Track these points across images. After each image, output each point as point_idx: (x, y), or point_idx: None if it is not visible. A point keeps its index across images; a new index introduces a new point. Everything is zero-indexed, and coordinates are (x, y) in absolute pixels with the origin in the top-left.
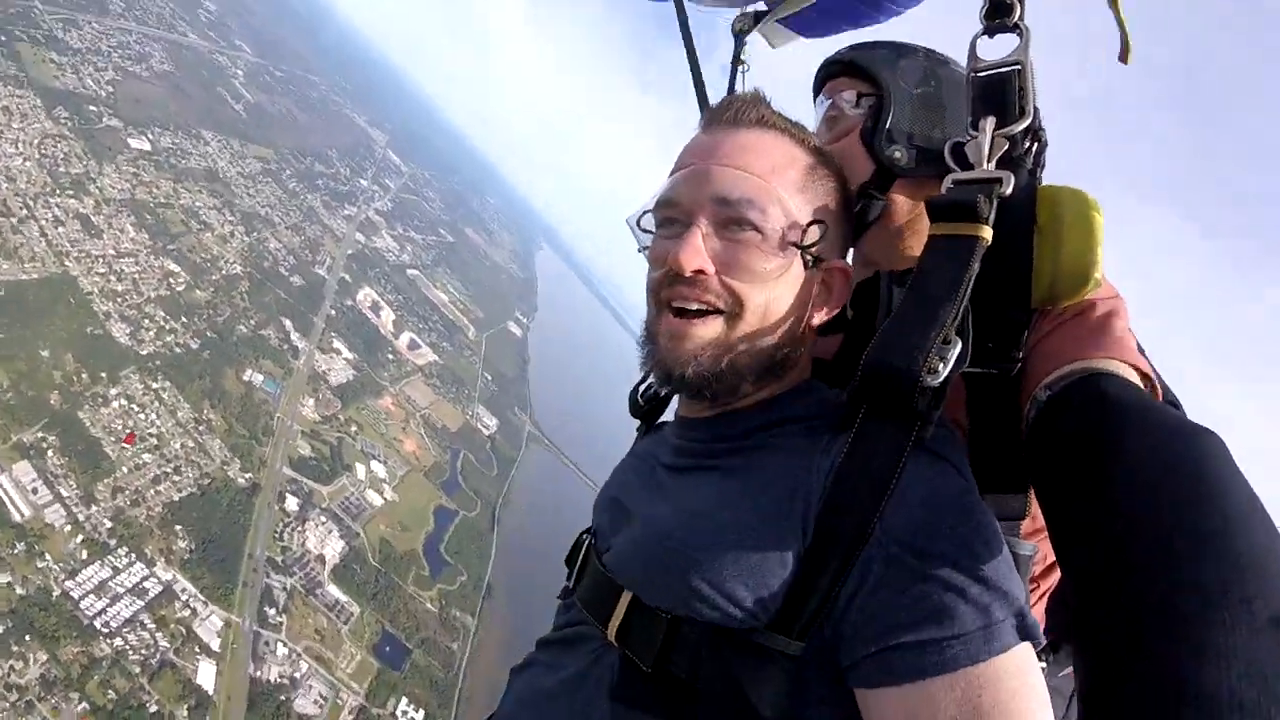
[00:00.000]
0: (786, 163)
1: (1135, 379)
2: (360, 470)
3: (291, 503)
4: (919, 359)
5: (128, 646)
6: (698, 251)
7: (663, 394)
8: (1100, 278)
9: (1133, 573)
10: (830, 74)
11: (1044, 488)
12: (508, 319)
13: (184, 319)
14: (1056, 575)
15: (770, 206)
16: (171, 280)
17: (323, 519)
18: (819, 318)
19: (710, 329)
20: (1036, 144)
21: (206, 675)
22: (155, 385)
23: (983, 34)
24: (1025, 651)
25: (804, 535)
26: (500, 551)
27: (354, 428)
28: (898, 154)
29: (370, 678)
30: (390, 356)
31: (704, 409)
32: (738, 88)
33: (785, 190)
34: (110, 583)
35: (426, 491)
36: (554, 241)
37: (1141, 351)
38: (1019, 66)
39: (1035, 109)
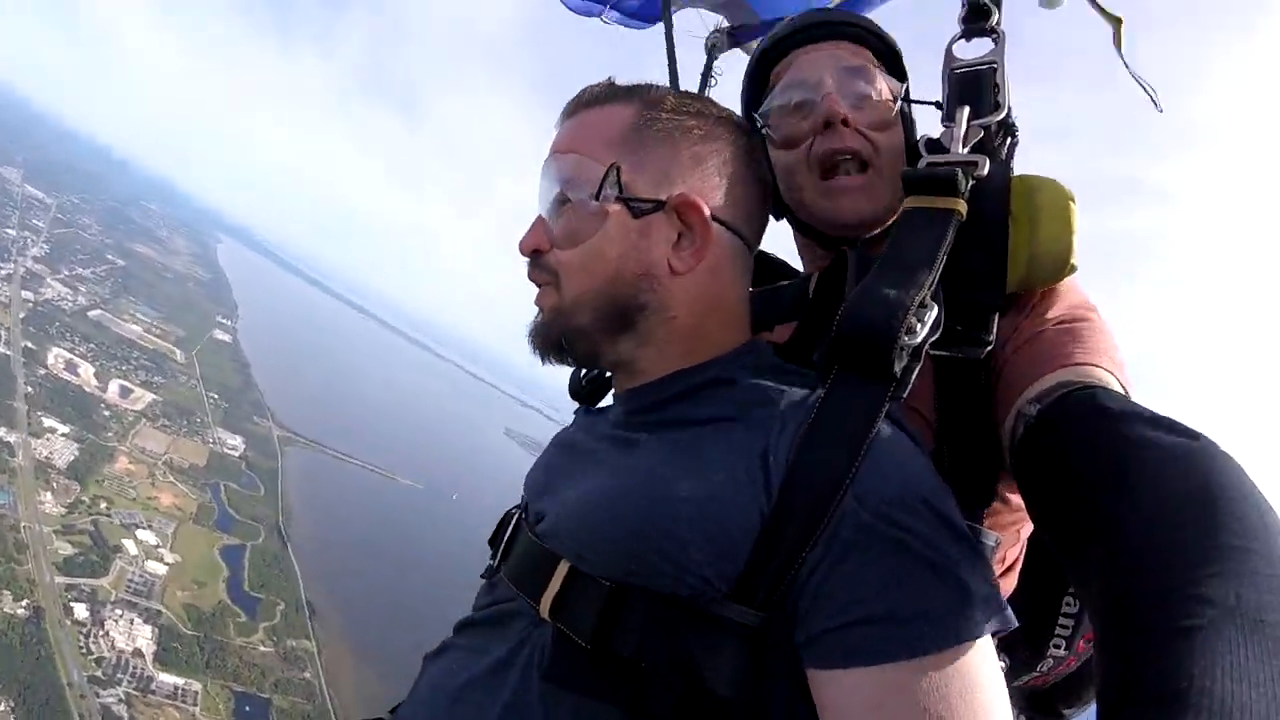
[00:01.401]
0: (603, 125)
1: (1120, 388)
2: (130, 546)
3: (80, 611)
4: (899, 316)
5: None
6: (529, 233)
7: (605, 374)
8: (1077, 264)
9: (1149, 589)
10: (827, 34)
11: (1041, 506)
12: (211, 328)
13: None
14: (1013, 580)
15: (575, 174)
16: None
17: (118, 612)
18: (683, 262)
19: (547, 298)
20: (1010, 138)
21: None
22: None
23: (960, 37)
24: (987, 643)
25: (768, 495)
26: (304, 566)
27: (104, 504)
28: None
29: None
30: (107, 413)
31: (632, 380)
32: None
33: (596, 153)
34: None
35: (204, 538)
36: (231, 229)
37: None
38: (995, 65)
39: (1009, 106)
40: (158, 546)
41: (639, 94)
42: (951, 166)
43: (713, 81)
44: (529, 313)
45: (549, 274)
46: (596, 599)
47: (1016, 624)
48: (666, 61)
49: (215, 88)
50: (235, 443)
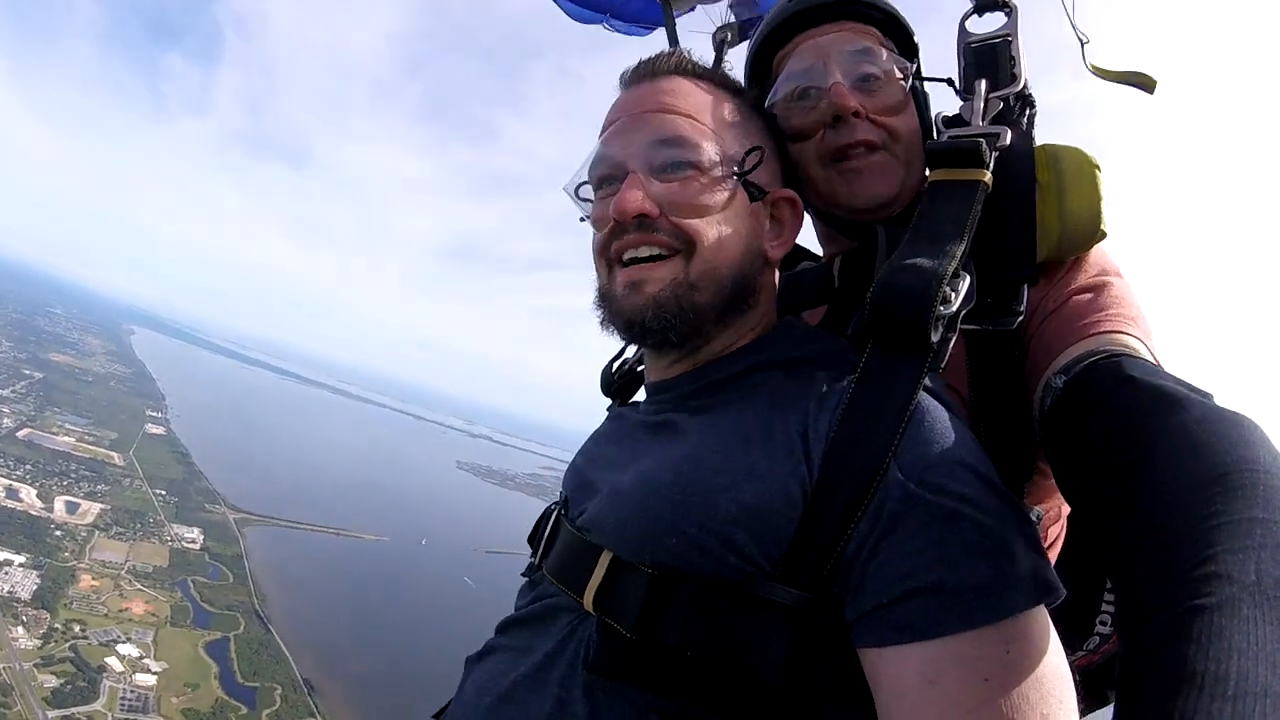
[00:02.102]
0: (712, 101)
1: (1148, 355)
2: (114, 663)
3: None
4: (933, 286)
5: None
6: (639, 195)
7: (634, 363)
8: (1108, 231)
9: (1168, 565)
10: (828, 15)
11: (1067, 480)
12: (143, 424)
13: None
14: (1053, 557)
15: (703, 141)
16: None
17: None
18: (775, 250)
19: (669, 269)
20: (1029, 110)
21: None
22: None
23: (972, 12)
24: (1043, 613)
25: (809, 473)
26: (291, 644)
27: (78, 627)
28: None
29: None
30: (59, 533)
31: (677, 366)
32: None
33: (715, 125)
34: None
35: (186, 638)
36: (141, 316)
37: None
38: (1009, 37)
39: (1026, 77)
40: (142, 657)
41: (729, 82)
42: (974, 138)
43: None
44: (450, 337)
45: (675, 240)
46: (639, 587)
47: (1065, 593)
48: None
49: (92, 169)
50: (193, 535)
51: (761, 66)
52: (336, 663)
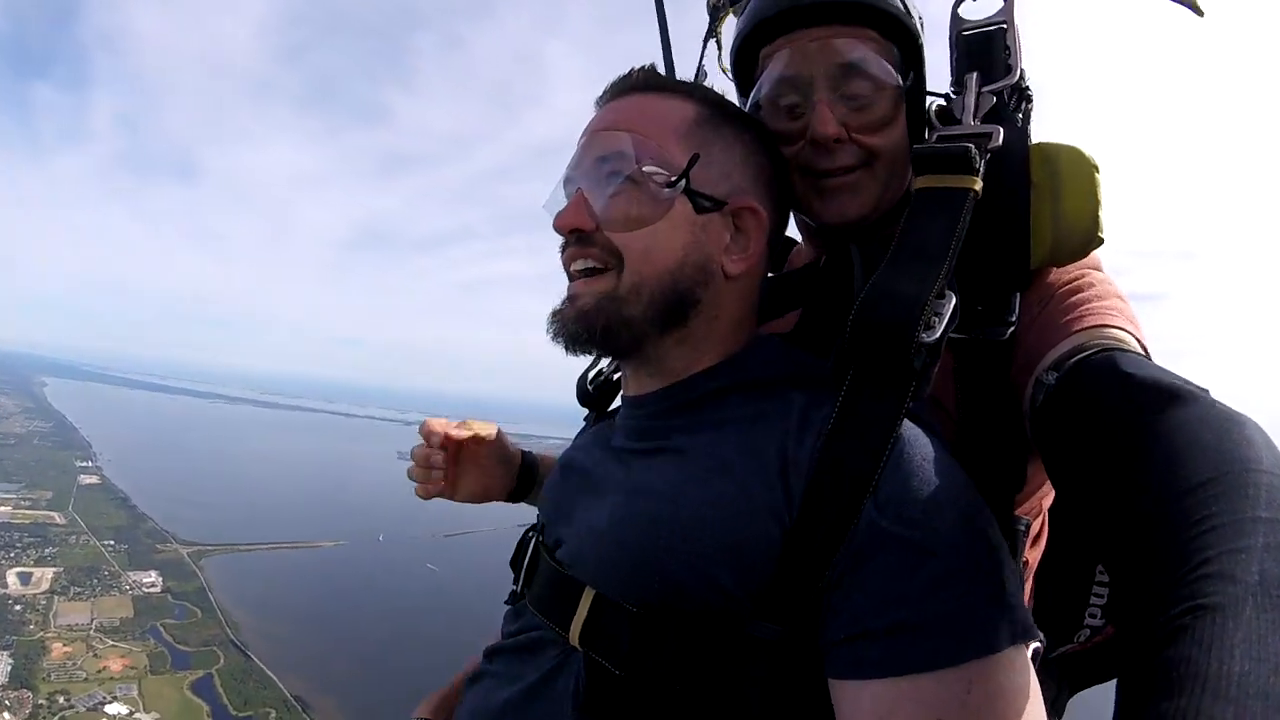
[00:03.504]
0: (666, 114)
1: (1138, 347)
2: None
3: None
4: (915, 312)
5: None
6: (572, 210)
7: (610, 373)
8: (1105, 236)
9: (1167, 565)
10: (819, 16)
11: (1062, 479)
12: (75, 476)
13: None
14: (1039, 551)
15: (642, 154)
16: None
17: None
18: (734, 264)
19: (601, 283)
20: (1025, 104)
21: None
22: None
23: None
24: (1019, 654)
25: (789, 508)
26: (273, 666)
27: (62, 699)
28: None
29: None
30: (19, 607)
31: (648, 382)
32: (707, 68)
33: (660, 138)
34: None
35: (170, 684)
36: (50, 365)
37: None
38: (1005, 25)
39: (1021, 69)
40: (132, 713)
41: (695, 91)
42: (963, 142)
43: (715, 48)
44: (371, 333)
45: (607, 255)
46: (624, 626)
47: (1044, 643)
48: (660, 37)
49: None
50: (151, 579)
51: (747, 58)
52: (322, 675)
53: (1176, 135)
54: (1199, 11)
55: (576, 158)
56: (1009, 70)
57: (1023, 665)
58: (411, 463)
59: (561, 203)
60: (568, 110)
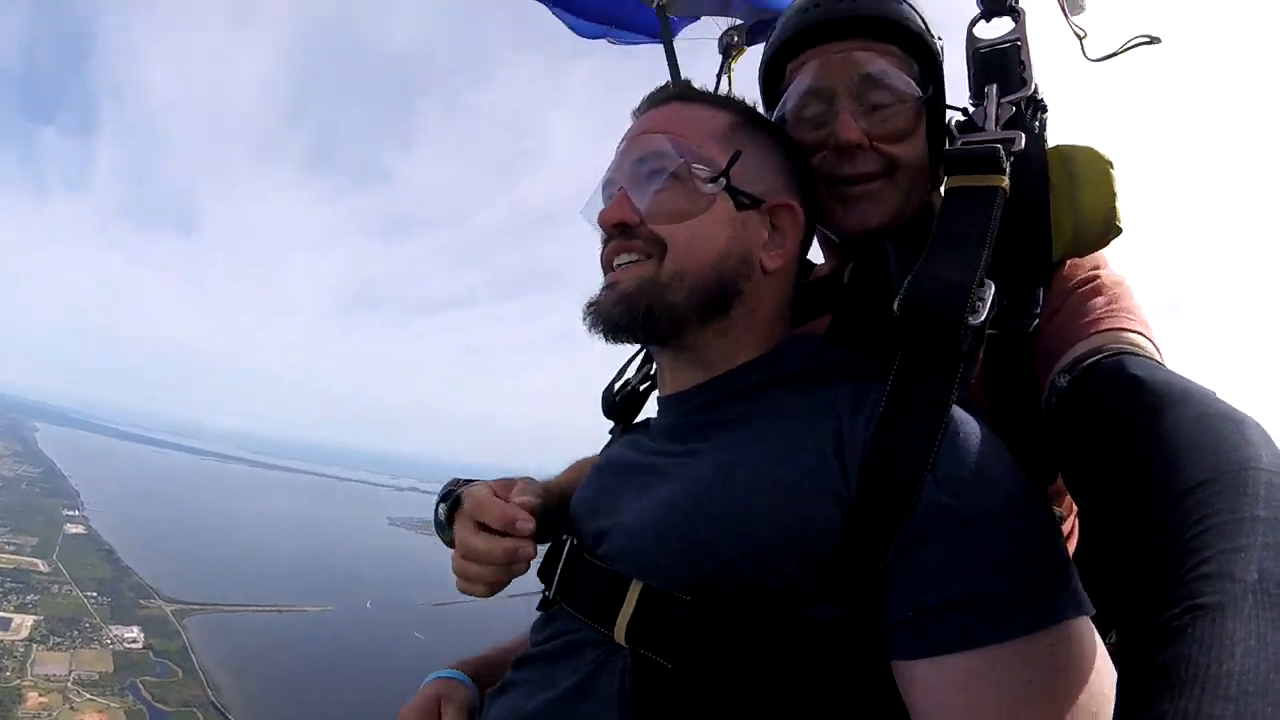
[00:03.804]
0: (704, 120)
1: (1154, 351)
2: None
3: None
4: (964, 296)
5: None
6: (616, 206)
7: (636, 384)
8: (1123, 227)
9: (1168, 565)
10: (844, 31)
11: (1072, 480)
12: (61, 525)
13: None
14: (1073, 545)
15: (683, 153)
16: None
17: None
18: (772, 260)
19: (642, 269)
20: (1040, 114)
21: None
22: None
23: (980, 18)
24: (1085, 623)
25: (847, 486)
26: None
27: None
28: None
29: None
30: None
31: (688, 377)
32: None
33: (699, 140)
34: None
35: None
36: (43, 411)
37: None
38: (1019, 41)
39: (1035, 83)
40: None
41: (729, 102)
42: (991, 144)
43: (726, 85)
44: (357, 398)
45: (650, 245)
46: (677, 617)
47: (1093, 610)
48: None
49: None
50: (133, 634)
51: (774, 74)
52: None
53: (1165, 189)
54: (1156, 41)
55: (616, 162)
56: (1024, 83)
57: (1090, 632)
58: (477, 565)
59: (599, 206)
60: (567, 174)
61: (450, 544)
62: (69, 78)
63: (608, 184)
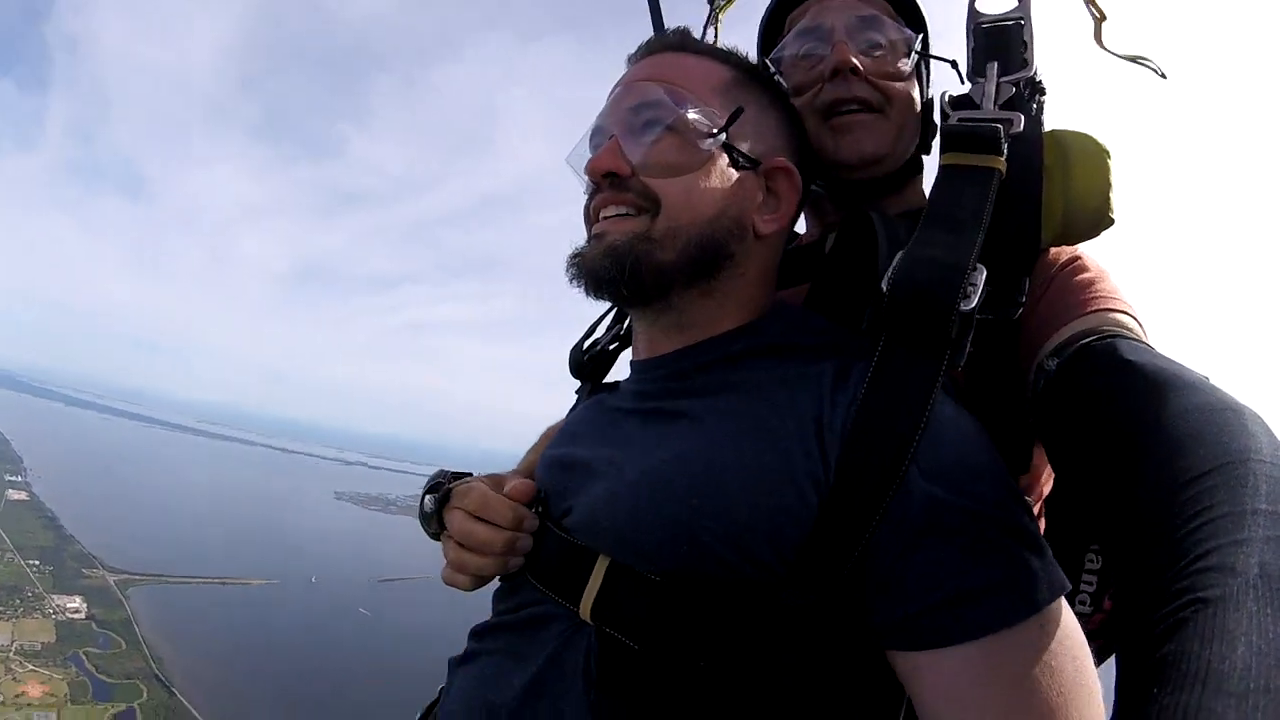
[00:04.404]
0: (705, 72)
1: (1142, 333)
2: None
3: None
4: (957, 279)
5: None
6: (608, 154)
7: (606, 343)
8: (1115, 217)
9: (1167, 557)
10: None
11: (1063, 467)
12: (3, 490)
13: None
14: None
15: (680, 104)
16: None
17: None
18: (766, 224)
19: (633, 224)
20: (1039, 95)
21: None
22: None
23: None
24: (1063, 602)
25: (825, 472)
26: (197, 704)
27: None
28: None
29: None
30: None
31: (666, 341)
32: None
33: (699, 93)
34: None
35: (90, 716)
36: None
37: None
38: (1022, 20)
39: (1036, 63)
40: None
41: (730, 56)
42: (992, 123)
43: (712, 36)
44: (301, 364)
45: (642, 200)
46: (646, 596)
47: (1069, 586)
48: (651, 19)
49: None
50: (76, 605)
51: (773, 31)
52: (248, 715)
53: (1143, 238)
54: (1161, 73)
55: (608, 108)
56: (1025, 64)
57: (1068, 611)
58: (470, 555)
59: (586, 155)
60: (521, 159)
61: (435, 536)
62: (23, 28)
63: (597, 131)
